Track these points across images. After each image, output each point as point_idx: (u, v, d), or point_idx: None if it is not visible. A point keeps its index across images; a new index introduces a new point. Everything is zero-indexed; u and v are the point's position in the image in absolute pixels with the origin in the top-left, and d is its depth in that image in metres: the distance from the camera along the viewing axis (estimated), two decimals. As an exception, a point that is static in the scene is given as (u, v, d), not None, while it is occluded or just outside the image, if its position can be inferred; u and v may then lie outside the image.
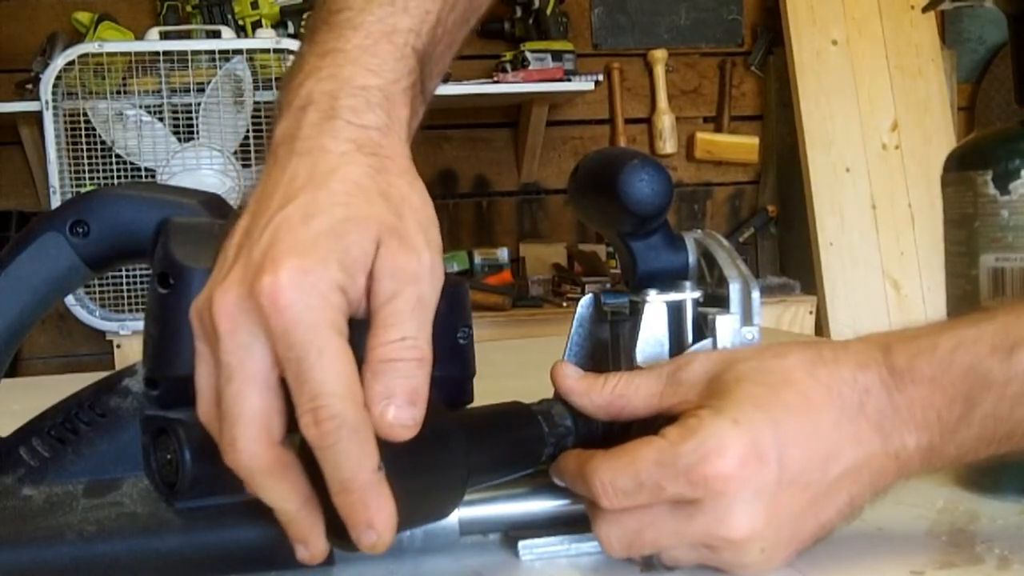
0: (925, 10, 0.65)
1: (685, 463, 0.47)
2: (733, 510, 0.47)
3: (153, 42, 2.45)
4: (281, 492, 0.44)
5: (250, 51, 2.48)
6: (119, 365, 2.28)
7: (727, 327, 0.53)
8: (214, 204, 0.56)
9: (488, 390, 0.58)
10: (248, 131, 2.45)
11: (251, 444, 0.43)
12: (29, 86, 2.52)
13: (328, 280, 0.42)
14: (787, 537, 0.49)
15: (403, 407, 0.42)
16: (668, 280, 0.56)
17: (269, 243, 0.44)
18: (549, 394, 0.57)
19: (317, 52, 0.52)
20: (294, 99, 0.50)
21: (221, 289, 0.43)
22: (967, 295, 0.59)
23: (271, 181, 0.47)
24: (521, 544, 0.52)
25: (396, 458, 0.43)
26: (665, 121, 3.09)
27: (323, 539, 0.45)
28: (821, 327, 2.84)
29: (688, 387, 0.50)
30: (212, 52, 2.43)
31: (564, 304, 2.70)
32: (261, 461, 0.43)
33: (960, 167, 0.60)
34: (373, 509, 0.42)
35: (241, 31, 2.67)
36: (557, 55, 2.80)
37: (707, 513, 0.47)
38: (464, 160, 3.01)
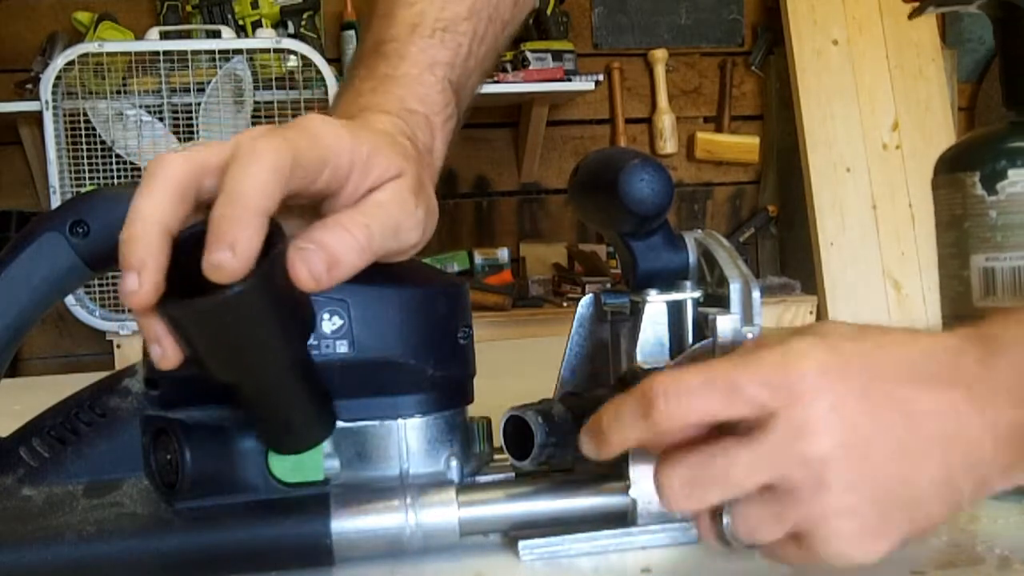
0: (912, 16, 0.66)
1: (766, 363, 0.42)
2: (811, 418, 0.41)
3: (153, 42, 2.45)
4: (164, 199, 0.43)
5: (250, 51, 2.48)
6: (119, 365, 2.28)
7: (727, 327, 0.53)
8: (214, 204, 0.56)
9: (488, 390, 0.58)
10: (248, 131, 2.45)
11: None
12: (29, 86, 2.53)
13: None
14: (873, 490, 0.42)
15: (319, 262, 0.44)
16: (668, 280, 0.56)
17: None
18: (549, 394, 0.57)
19: (371, 76, 0.57)
20: (351, 105, 0.55)
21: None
22: (960, 296, 0.60)
23: None
24: (521, 544, 0.52)
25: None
26: (665, 121, 3.09)
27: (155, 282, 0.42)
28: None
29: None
30: (212, 52, 2.43)
31: (564, 304, 2.70)
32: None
33: (949, 170, 0.60)
34: (244, 233, 0.41)
35: (241, 31, 2.68)
36: (557, 55, 2.80)
37: (782, 426, 0.41)
38: (464, 160, 3.01)
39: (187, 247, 0.43)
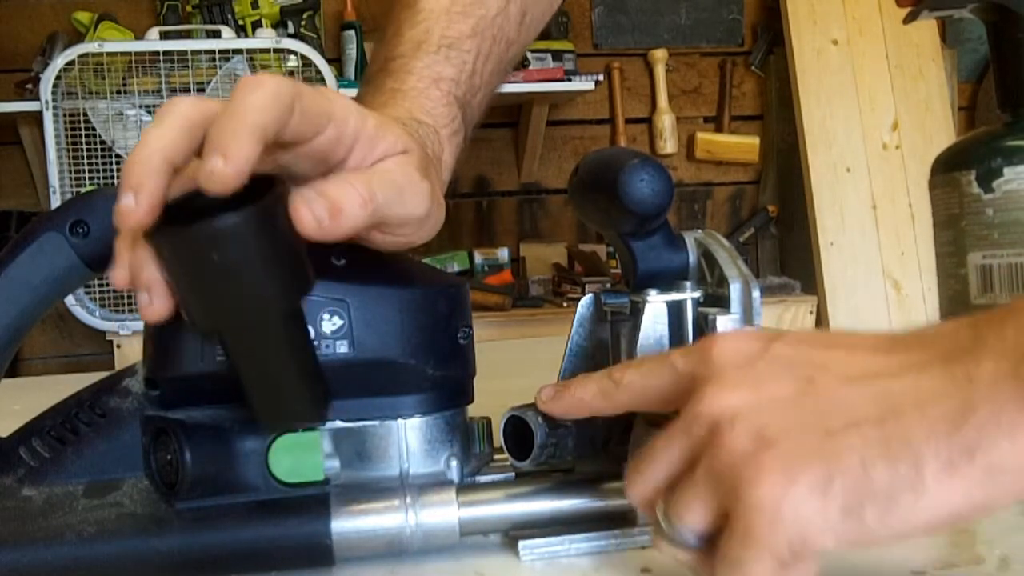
0: (906, 21, 0.66)
1: (696, 346, 0.45)
2: (715, 376, 0.42)
3: (153, 42, 2.45)
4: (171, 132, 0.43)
5: (250, 51, 2.48)
6: (119, 365, 2.28)
7: (727, 327, 0.53)
8: (214, 204, 0.56)
9: (488, 390, 0.58)
10: (248, 131, 2.45)
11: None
12: (29, 86, 2.53)
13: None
14: (785, 444, 0.39)
15: (321, 207, 0.45)
16: (668, 280, 0.56)
17: None
18: (549, 394, 0.57)
19: (379, 92, 0.59)
20: None
21: None
22: (958, 294, 0.60)
23: None
24: (521, 544, 0.52)
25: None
26: (665, 121, 3.09)
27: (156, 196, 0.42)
28: (821, 327, 2.84)
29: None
30: (212, 52, 2.43)
31: (564, 304, 2.70)
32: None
33: (946, 169, 0.61)
34: (237, 142, 0.42)
35: (241, 31, 2.68)
36: (557, 55, 2.80)
37: (696, 390, 0.42)
38: (464, 160, 2.96)
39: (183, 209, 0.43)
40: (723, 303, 0.54)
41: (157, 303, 0.45)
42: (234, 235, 0.42)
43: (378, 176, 0.48)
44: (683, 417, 0.42)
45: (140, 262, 0.45)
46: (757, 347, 0.43)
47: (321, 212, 0.45)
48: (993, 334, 0.38)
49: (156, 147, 0.43)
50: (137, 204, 0.42)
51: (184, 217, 0.42)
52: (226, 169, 0.41)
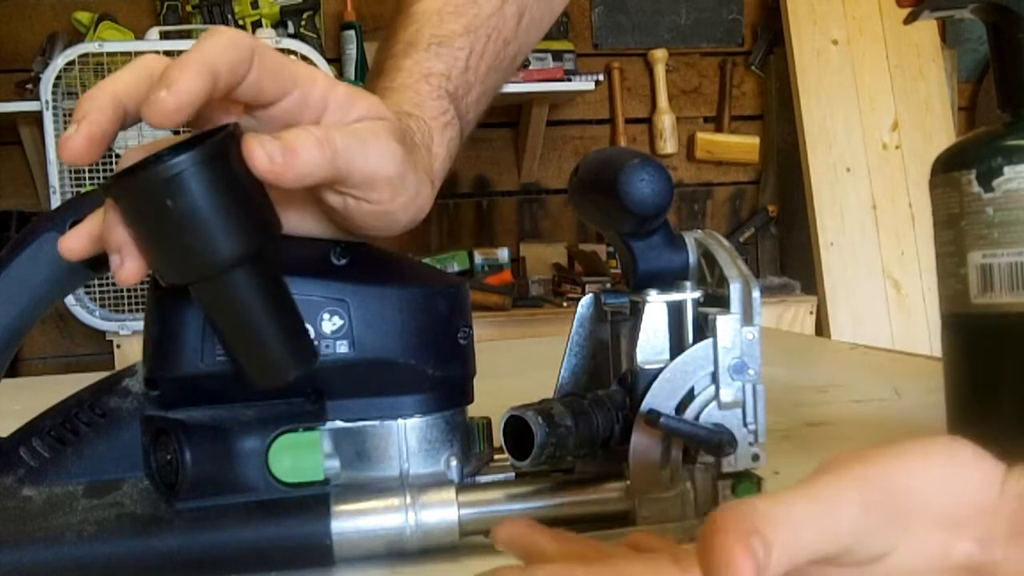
0: (907, 22, 0.66)
1: None
2: None
3: (153, 42, 2.45)
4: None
5: (250, 51, 2.48)
6: (119, 365, 2.28)
7: (727, 327, 0.53)
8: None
9: (488, 390, 0.58)
10: (248, 131, 2.45)
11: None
12: (29, 86, 2.53)
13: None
14: None
15: (274, 147, 0.44)
16: (668, 280, 0.56)
17: None
18: (549, 394, 0.57)
19: (373, 92, 0.58)
20: None
21: None
22: (958, 294, 0.60)
23: None
24: (521, 544, 0.52)
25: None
26: (665, 121, 3.09)
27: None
28: (821, 327, 2.84)
29: None
30: (212, 52, 2.42)
31: (564, 304, 2.70)
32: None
33: (945, 169, 0.61)
34: (184, 75, 0.42)
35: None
36: (557, 55, 2.80)
37: None
38: (464, 160, 3.01)
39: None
40: (723, 303, 0.54)
41: (129, 264, 0.45)
42: (184, 176, 0.42)
43: (340, 128, 0.47)
44: None
45: (108, 225, 0.45)
46: None
47: (273, 150, 0.44)
48: None
49: (108, 88, 0.44)
50: (77, 132, 0.43)
51: (141, 170, 0.43)
52: (168, 98, 0.42)
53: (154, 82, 0.43)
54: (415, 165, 0.51)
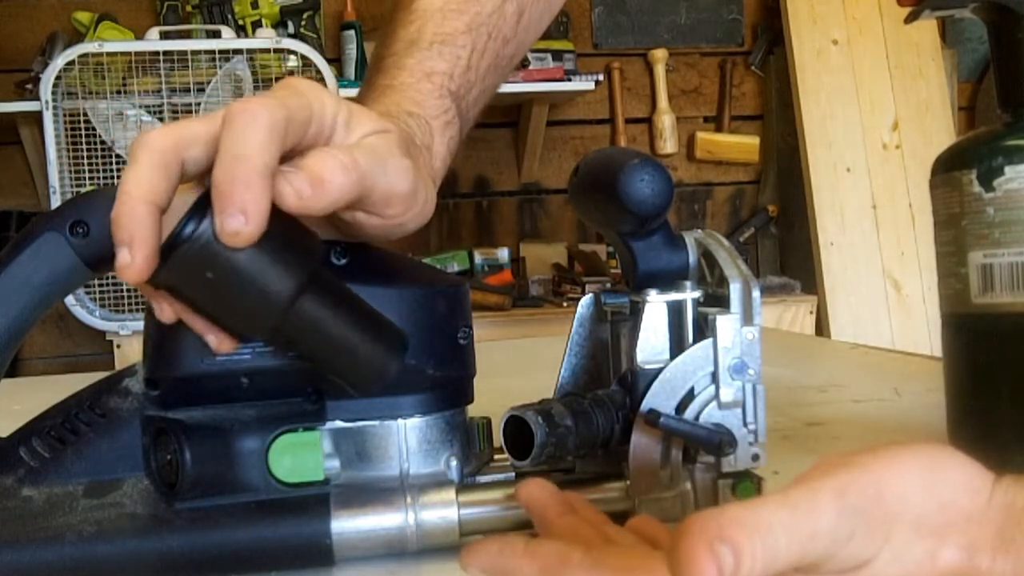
0: (907, 21, 0.66)
1: None
2: None
3: (153, 42, 2.45)
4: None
5: (250, 51, 2.48)
6: (119, 365, 2.28)
7: (727, 327, 0.53)
8: (214, 204, 0.56)
9: (488, 390, 0.58)
10: (248, 131, 2.44)
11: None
12: (29, 86, 2.52)
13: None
14: None
15: (301, 180, 0.43)
16: (668, 280, 0.56)
17: None
18: (549, 394, 0.57)
19: (373, 91, 0.59)
20: None
21: None
22: (958, 294, 0.60)
23: None
24: (521, 544, 0.52)
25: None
26: (665, 121, 3.09)
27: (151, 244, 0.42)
28: (821, 327, 2.84)
29: None
30: (212, 52, 2.43)
31: (564, 304, 2.70)
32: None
33: (946, 169, 0.61)
34: (252, 195, 0.41)
35: (241, 31, 2.68)
36: (557, 55, 2.80)
37: None
38: (464, 160, 3.01)
39: None
40: (723, 303, 0.54)
41: (211, 337, 0.47)
42: (213, 245, 0.42)
43: (360, 148, 0.47)
44: None
45: (179, 311, 0.46)
46: None
47: (301, 185, 0.43)
48: None
49: (137, 195, 0.42)
50: (133, 258, 0.42)
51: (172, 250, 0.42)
52: (248, 228, 0.41)
53: (172, 167, 0.43)
54: (424, 178, 0.51)
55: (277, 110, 0.43)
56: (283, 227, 0.44)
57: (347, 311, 0.47)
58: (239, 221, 0.41)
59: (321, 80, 2.44)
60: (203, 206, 0.42)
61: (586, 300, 0.60)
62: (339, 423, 0.52)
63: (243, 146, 0.42)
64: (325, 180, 0.44)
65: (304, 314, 0.45)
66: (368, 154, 0.47)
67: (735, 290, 0.53)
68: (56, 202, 2.35)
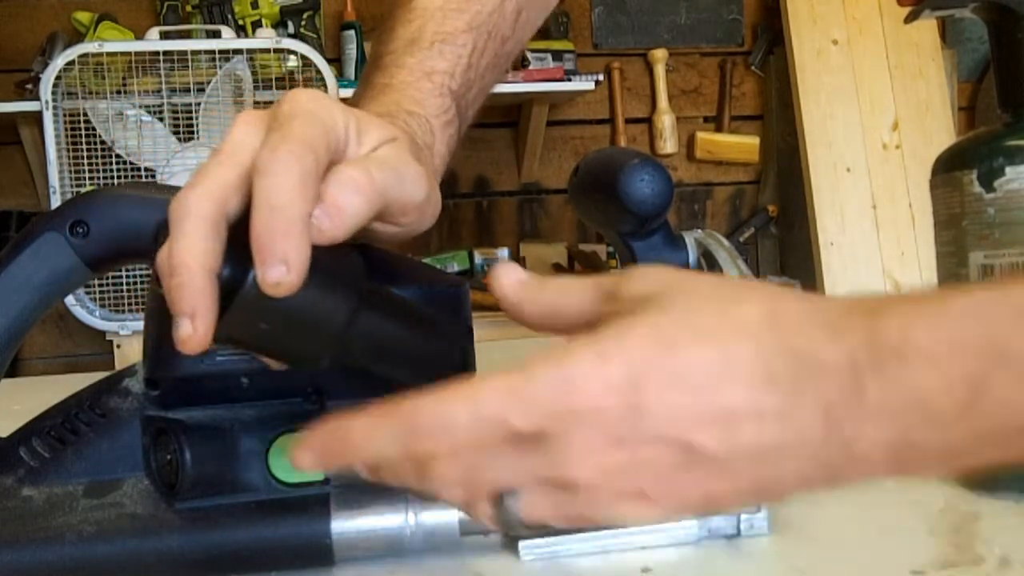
0: (907, 21, 0.66)
1: (532, 393, 0.38)
2: (573, 450, 0.38)
3: (153, 42, 2.45)
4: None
5: (250, 51, 2.48)
6: (119, 365, 2.28)
7: (727, 327, 0.53)
8: (214, 204, 0.56)
9: (488, 390, 0.58)
10: (248, 131, 2.44)
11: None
12: (29, 86, 2.52)
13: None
14: (657, 493, 0.38)
15: (323, 215, 0.43)
16: (668, 280, 0.55)
17: None
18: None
19: (369, 88, 0.59)
20: None
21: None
22: (958, 294, 0.60)
23: None
24: (522, 544, 0.52)
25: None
26: (665, 121, 3.09)
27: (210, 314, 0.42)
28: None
29: (626, 304, 0.41)
30: (212, 52, 2.43)
31: (564, 304, 2.69)
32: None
33: (946, 169, 0.61)
34: (293, 244, 0.41)
35: (241, 31, 2.68)
36: (557, 55, 2.80)
37: (550, 451, 0.38)
38: (464, 160, 3.01)
39: None
40: (723, 303, 0.54)
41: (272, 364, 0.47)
42: (260, 297, 0.41)
43: (374, 161, 0.47)
44: (531, 459, 0.38)
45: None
46: (624, 421, 0.37)
47: (320, 217, 0.43)
48: (879, 382, 0.36)
49: (196, 266, 0.42)
50: (196, 329, 0.41)
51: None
52: (290, 277, 0.41)
53: (220, 227, 0.42)
54: (432, 181, 0.51)
55: (307, 156, 0.43)
56: (319, 256, 0.44)
57: (401, 315, 0.47)
58: (281, 272, 0.41)
59: (321, 80, 2.44)
60: (239, 258, 0.42)
61: (586, 300, 0.60)
62: (339, 423, 0.52)
63: (278, 197, 0.42)
64: (342, 207, 0.44)
65: (361, 334, 0.45)
66: (383, 168, 0.46)
67: (735, 290, 0.53)
68: (56, 202, 2.35)
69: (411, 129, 0.55)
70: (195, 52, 2.42)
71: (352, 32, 2.82)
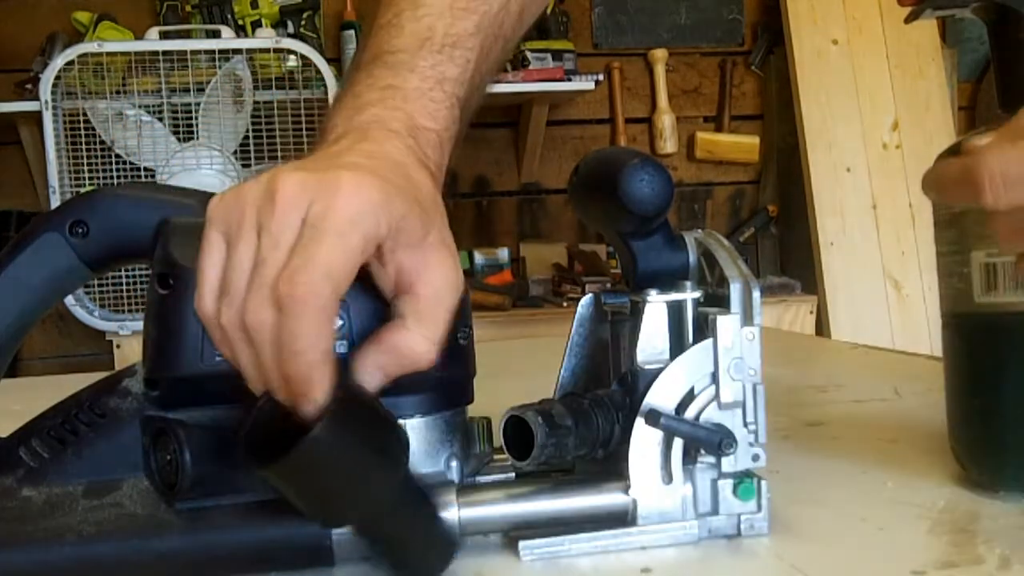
0: (908, 21, 0.66)
1: None
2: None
3: (153, 42, 2.45)
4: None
5: (250, 51, 2.48)
6: (119, 365, 2.28)
7: (728, 327, 0.53)
8: (214, 204, 0.56)
9: (488, 390, 0.58)
10: (248, 131, 2.45)
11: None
12: (29, 86, 2.52)
13: (385, 203, 0.46)
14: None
15: (389, 363, 0.47)
16: (668, 280, 0.56)
17: (336, 155, 0.50)
18: (549, 394, 0.57)
19: (377, 86, 0.56)
20: (356, 115, 0.54)
21: (284, 173, 0.46)
22: (961, 293, 0.60)
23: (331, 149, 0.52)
24: (522, 544, 0.52)
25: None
26: (665, 121, 3.09)
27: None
28: (822, 327, 2.84)
29: None
30: (212, 52, 2.43)
31: (564, 304, 2.70)
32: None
33: None
34: (319, 384, 0.44)
35: (241, 31, 2.68)
36: (557, 55, 2.80)
37: None
38: (464, 160, 3.00)
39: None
40: (723, 303, 0.54)
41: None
42: (323, 440, 0.43)
43: (427, 306, 0.48)
44: None
45: None
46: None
47: (388, 364, 0.47)
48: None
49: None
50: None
51: (266, 450, 0.44)
52: (310, 409, 0.45)
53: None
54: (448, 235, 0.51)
55: (324, 291, 0.44)
56: (376, 421, 0.47)
57: (417, 517, 0.50)
58: (310, 407, 0.45)
59: (321, 80, 2.44)
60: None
61: (586, 300, 0.60)
62: (339, 423, 0.52)
63: (301, 342, 0.44)
64: (412, 351, 0.47)
65: (390, 510, 0.49)
66: (441, 310, 0.48)
67: (735, 290, 0.53)
68: (56, 202, 2.36)
69: (422, 153, 0.53)
70: (195, 52, 2.42)
71: (352, 32, 2.82)
